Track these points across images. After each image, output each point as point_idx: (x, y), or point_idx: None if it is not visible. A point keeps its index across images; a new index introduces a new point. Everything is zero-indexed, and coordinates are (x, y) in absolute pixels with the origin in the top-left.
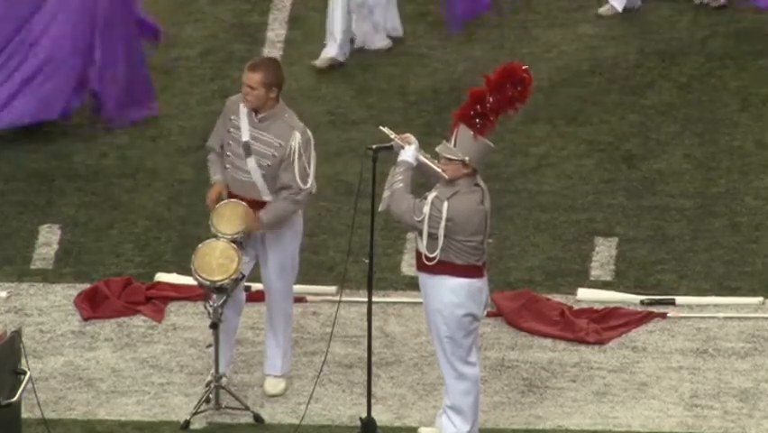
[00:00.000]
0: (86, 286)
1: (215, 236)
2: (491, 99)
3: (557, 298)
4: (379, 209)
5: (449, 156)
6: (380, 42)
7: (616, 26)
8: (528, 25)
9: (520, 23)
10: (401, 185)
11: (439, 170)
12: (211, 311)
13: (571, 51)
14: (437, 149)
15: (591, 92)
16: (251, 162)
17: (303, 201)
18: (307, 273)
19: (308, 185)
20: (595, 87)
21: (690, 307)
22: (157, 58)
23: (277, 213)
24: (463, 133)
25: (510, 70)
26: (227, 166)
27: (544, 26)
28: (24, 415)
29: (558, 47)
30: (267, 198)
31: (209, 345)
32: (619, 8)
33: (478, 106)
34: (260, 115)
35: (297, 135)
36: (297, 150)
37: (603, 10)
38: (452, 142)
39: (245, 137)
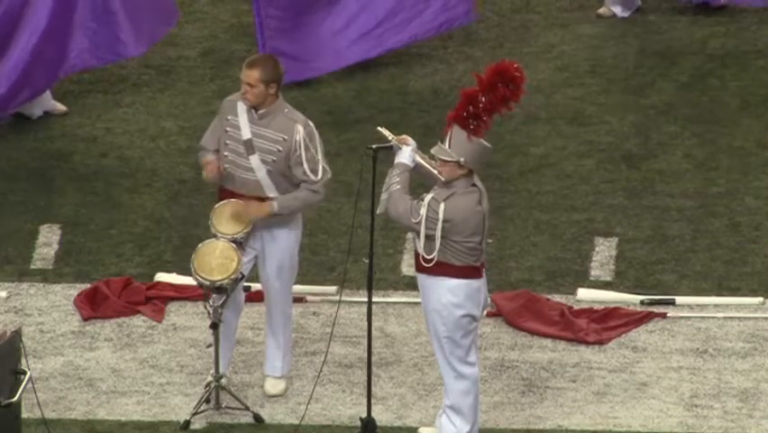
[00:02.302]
0: (87, 286)
1: (215, 236)
2: (484, 99)
3: (557, 298)
4: (377, 212)
5: (444, 157)
6: None
7: (616, 26)
8: (528, 25)
9: (520, 22)
10: (398, 186)
11: (435, 171)
12: (211, 311)
13: (570, 51)
14: (432, 150)
15: (591, 92)
16: (255, 160)
17: (322, 191)
18: (307, 273)
19: (320, 175)
20: (595, 87)
21: (690, 307)
22: (157, 58)
23: (296, 200)
24: (457, 134)
25: (501, 69)
26: (226, 166)
27: (543, 26)
28: (24, 415)
29: (558, 47)
30: (271, 194)
31: (209, 345)
32: (622, 15)
33: (471, 107)
34: (259, 112)
35: (300, 128)
36: (302, 143)
37: (602, 11)
38: (447, 143)
39: (246, 135)
